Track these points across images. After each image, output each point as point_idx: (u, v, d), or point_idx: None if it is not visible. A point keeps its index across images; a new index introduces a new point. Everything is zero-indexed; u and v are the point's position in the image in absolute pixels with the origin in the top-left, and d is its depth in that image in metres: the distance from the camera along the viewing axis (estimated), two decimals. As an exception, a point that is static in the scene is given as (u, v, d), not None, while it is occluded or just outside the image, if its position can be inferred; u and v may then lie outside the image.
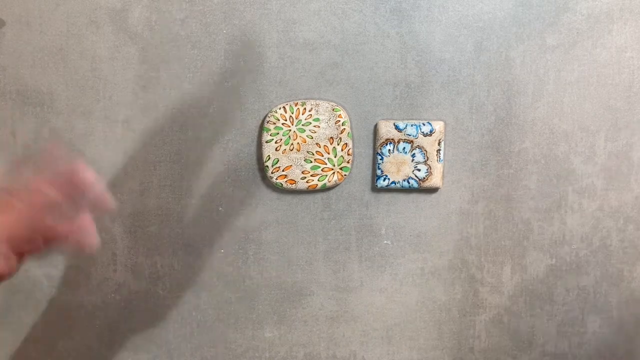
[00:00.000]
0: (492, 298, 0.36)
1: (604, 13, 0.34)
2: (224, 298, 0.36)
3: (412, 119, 0.35)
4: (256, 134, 0.35)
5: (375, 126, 0.35)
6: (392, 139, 0.34)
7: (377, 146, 0.35)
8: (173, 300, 0.36)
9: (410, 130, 0.34)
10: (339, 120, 0.34)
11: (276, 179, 0.34)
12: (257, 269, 0.36)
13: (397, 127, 0.34)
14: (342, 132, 0.35)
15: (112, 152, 0.34)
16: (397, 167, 0.35)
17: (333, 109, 0.34)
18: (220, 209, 0.35)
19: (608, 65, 0.34)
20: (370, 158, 0.35)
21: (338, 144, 0.35)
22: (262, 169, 0.36)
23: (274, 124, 0.34)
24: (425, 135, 0.34)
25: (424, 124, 0.34)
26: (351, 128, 0.35)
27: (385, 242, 0.36)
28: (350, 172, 0.35)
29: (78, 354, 0.37)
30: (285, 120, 0.34)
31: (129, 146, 0.34)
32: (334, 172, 0.35)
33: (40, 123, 0.35)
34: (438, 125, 0.34)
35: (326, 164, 0.35)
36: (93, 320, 0.36)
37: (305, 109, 0.34)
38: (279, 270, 0.36)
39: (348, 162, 0.35)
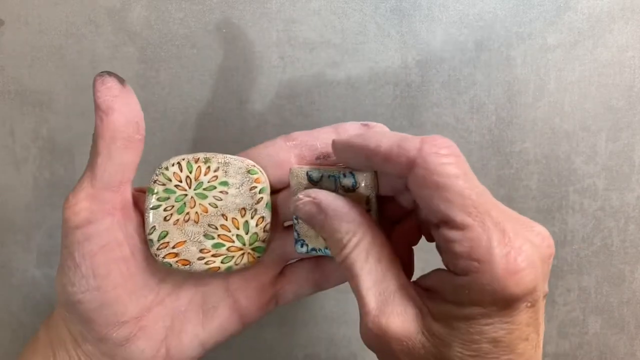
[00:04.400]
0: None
1: (605, 12, 0.34)
2: (224, 299, 0.36)
3: (332, 167, 0.25)
4: (256, 134, 0.35)
5: (289, 176, 0.26)
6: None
7: (292, 202, 0.25)
8: (172, 301, 0.36)
9: (327, 184, 0.25)
10: (255, 187, 0.25)
11: (163, 257, 0.25)
12: (256, 270, 0.36)
13: (310, 179, 0.25)
14: (258, 202, 0.25)
15: (111, 152, 0.34)
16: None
17: (248, 171, 0.25)
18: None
19: (609, 65, 0.34)
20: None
21: (252, 217, 0.25)
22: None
23: (164, 185, 0.25)
24: (346, 190, 0.24)
25: (344, 175, 0.24)
26: (270, 196, 0.26)
27: (385, 242, 0.36)
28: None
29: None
30: (180, 182, 0.25)
31: (128, 146, 0.34)
32: (243, 253, 0.26)
33: (39, 123, 0.34)
34: (364, 178, 0.24)
35: (234, 242, 0.25)
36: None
37: (209, 168, 0.25)
38: (279, 270, 0.36)
39: (264, 241, 0.26)
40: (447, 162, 0.21)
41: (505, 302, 0.19)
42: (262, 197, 0.26)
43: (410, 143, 0.22)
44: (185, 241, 0.25)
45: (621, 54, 0.34)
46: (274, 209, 0.26)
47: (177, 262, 0.25)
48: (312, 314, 0.36)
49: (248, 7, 0.34)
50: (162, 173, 0.25)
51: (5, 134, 0.34)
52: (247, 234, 0.26)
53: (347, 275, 0.22)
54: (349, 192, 0.24)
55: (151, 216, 0.25)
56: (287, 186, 0.26)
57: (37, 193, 0.34)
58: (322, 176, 0.25)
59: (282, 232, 0.27)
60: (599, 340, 0.36)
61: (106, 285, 0.23)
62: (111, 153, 0.23)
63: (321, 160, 0.26)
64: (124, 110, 0.23)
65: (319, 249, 0.26)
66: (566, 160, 0.35)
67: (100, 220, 0.23)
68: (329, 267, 0.27)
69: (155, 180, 0.25)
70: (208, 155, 0.25)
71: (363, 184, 0.24)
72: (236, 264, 0.26)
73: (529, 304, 0.19)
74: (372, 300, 0.21)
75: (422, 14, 0.34)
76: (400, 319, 0.20)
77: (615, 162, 0.35)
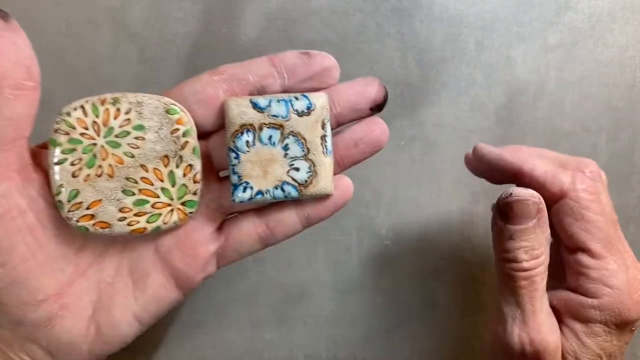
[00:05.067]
0: (493, 299, 0.36)
1: (605, 12, 0.34)
2: (223, 299, 0.36)
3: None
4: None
5: (223, 106, 0.22)
6: (251, 125, 0.22)
7: (228, 138, 0.22)
8: (172, 301, 0.36)
9: (278, 109, 0.22)
10: (177, 129, 0.22)
11: (77, 220, 0.21)
12: (256, 270, 0.36)
13: (256, 106, 0.22)
14: (182, 148, 0.22)
15: (110, 151, 0.34)
16: (263, 168, 0.22)
17: (167, 111, 0.22)
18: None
19: (610, 65, 0.34)
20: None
21: (177, 166, 0.22)
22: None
23: (67, 134, 0.21)
24: (300, 114, 0.22)
25: (296, 98, 0.22)
26: (199, 141, 0.23)
27: (385, 242, 0.36)
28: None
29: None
30: (87, 129, 0.21)
31: (128, 146, 0.33)
32: (172, 210, 0.22)
33: (39, 122, 0.34)
34: (319, 99, 0.23)
35: (159, 197, 0.22)
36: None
37: (119, 110, 0.21)
38: (279, 270, 0.36)
39: (195, 194, 0.22)
40: (593, 200, 0.24)
41: (623, 324, 0.23)
42: (187, 142, 0.22)
43: (564, 176, 0.25)
44: (101, 200, 0.22)
45: (622, 54, 0.34)
46: (206, 156, 0.23)
47: (94, 225, 0.22)
48: (312, 314, 0.36)
49: (248, 7, 0.34)
50: (64, 120, 0.22)
51: (5, 134, 0.34)
52: (173, 186, 0.22)
53: (517, 284, 0.24)
54: (303, 116, 0.23)
55: (57, 173, 0.21)
56: (218, 129, 0.23)
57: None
58: (270, 102, 0.22)
59: (217, 182, 0.24)
60: (600, 340, 0.36)
61: (12, 260, 0.20)
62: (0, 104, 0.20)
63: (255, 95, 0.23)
64: (9, 51, 0.20)
65: (267, 191, 0.23)
66: (567, 160, 0.35)
67: None
68: (275, 218, 0.24)
69: (57, 130, 0.22)
70: (117, 95, 0.22)
71: (318, 105, 0.23)
72: (165, 223, 0.22)
73: (633, 328, 0.24)
74: (539, 315, 0.23)
75: (423, 13, 0.34)
76: (555, 335, 0.23)
77: (616, 162, 0.35)
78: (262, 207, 0.24)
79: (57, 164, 0.21)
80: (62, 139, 0.22)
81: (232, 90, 0.22)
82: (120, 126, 0.22)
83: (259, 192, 0.22)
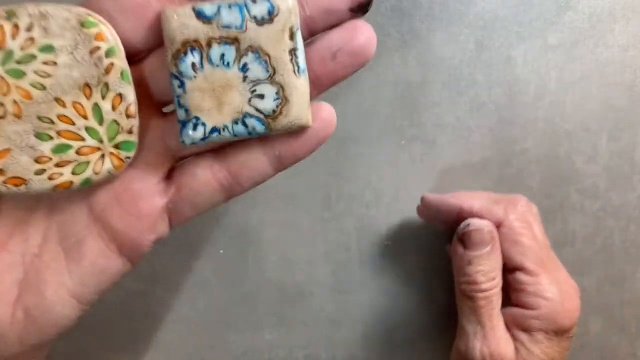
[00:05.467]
0: (493, 299, 0.36)
1: (606, 12, 0.34)
2: (223, 299, 0.36)
3: None
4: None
5: (162, 21, 0.17)
6: (196, 41, 0.17)
7: (169, 61, 0.17)
8: (171, 301, 0.36)
9: (229, 17, 0.17)
10: (98, 48, 0.16)
11: None
12: (256, 270, 0.36)
13: (200, 15, 0.17)
14: (107, 72, 0.17)
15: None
16: (217, 97, 0.17)
17: (81, 24, 0.16)
18: (219, 208, 0.35)
19: (610, 65, 0.34)
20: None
21: (103, 98, 0.17)
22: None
23: None
24: (260, 22, 0.17)
25: (253, 1, 0.17)
26: (130, 65, 0.17)
27: (385, 242, 0.36)
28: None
29: (75, 355, 0.36)
30: None
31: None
32: (102, 155, 0.17)
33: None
34: (284, 0, 0.17)
35: (84, 139, 0.17)
36: (91, 321, 0.36)
37: (17, 27, 0.16)
38: (279, 271, 0.36)
39: (130, 132, 0.17)
40: (525, 227, 0.28)
41: (560, 331, 0.26)
42: (112, 63, 0.17)
43: (497, 209, 0.28)
44: (9, 149, 0.17)
45: (622, 54, 0.34)
46: (141, 85, 0.18)
47: (4, 182, 0.17)
48: (312, 314, 0.36)
49: (248, 7, 0.34)
50: None
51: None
52: (101, 124, 0.17)
53: (476, 304, 0.27)
54: (264, 25, 0.17)
55: None
56: (152, 47, 0.18)
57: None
58: (219, 9, 0.17)
59: (159, 118, 0.19)
60: (600, 340, 0.36)
61: None
62: None
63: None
64: None
65: (224, 128, 0.18)
66: (567, 160, 0.35)
67: None
68: (238, 160, 0.19)
69: None
70: (12, 7, 0.16)
71: (284, 8, 0.17)
72: (95, 173, 0.18)
73: (570, 335, 0.27)
74: (497, 330, 0.26)
75: (423, 13, 0.34)
76: (510, 347, 0.26)
77: (617, 162, 0.35)
78: (222, 147, 0.19)
79: None
80: None
81: None
82: (22, 48, 0.16)
83: (214, 129, 0.18)
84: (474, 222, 0.28)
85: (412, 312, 0.36)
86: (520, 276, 0.27)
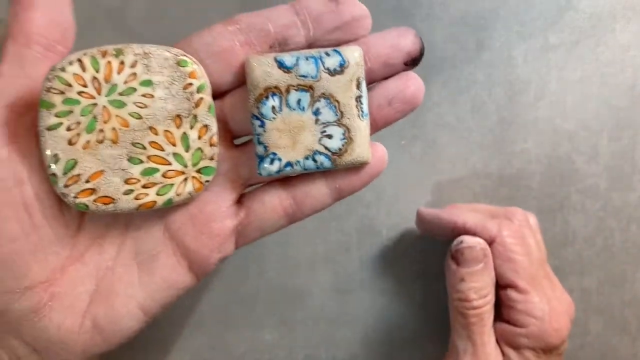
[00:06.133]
0: (494, 299, 0.36)
1: (606, 12, 0.34)
2: (223, 299, 0.36)
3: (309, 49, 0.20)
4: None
5: (245, 66, 0.20)
6: (277, 88, 0.19)
7: (252, 103, 0.19)
8: (172, 302, 0.36)
9: (306, 68, 0.19)
10: (191, 84, 0.19)
11: (75, 196, 0.18)
12: (256, 270, 0.36)
13: (281, 65, 0.19)
14: (197, 106, 0.19)
15: (110, 151, 0.34)
16: (292, 136, 0.20)
17: (177, 63, 0.19)
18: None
19: (611, 64, 0.34)
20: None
21: (191, 127, 0.19)
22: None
23: (62, 93, 0.18)
24: (332, 73, 0.20)
25: (327, 54, 0.20)
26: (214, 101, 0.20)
27: (386, 243, 0.36)
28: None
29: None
30: (85, 86, 0.18)
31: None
32: (186, 178, 0.19)
33: (38, 122, 0.34)
34: (353, 55, 0.20)
35: (171, 164, 0.19)
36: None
37: (123, 63, 0.18)
38: (279, 271, 0.36)
39: (212, 159, 0.20)
40: (518, 243, 0.28)
41: (549, 349, 0.27)
42: (201, 98, 0.19)
43: (491, 225, 0.28)
44: (103, 171, 0.19)
45: (623, 53, 0.34)
46: (220, 119, 0.20)
47: (95, 201, 0.18)
48: (312, 314, 0.36)
49: (248, 7, 0.34)
50: (58, 77, 0.18)
51: (4, 134, 0.34)
52: (187, 151, 0.19)
53: (468, 321, 0.27)
54: (335, 75, 0.20)
55: (48, 140, 0.18)
56: (233, 87, 0.21)
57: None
58: (297, 60, 0.19)
59: (234, 149, 0.21)
60: (601, 341, 0.36)
61: (0, 237, 0.18)
62: (22, 61, 0.18)
63: (276, 49, 0.20)
64: (48, 9, 0.19)
65: (296, 163, 0.20)
66: (568, 160, 0.35)
67: None
68: (302, 190, 0.21)
69: (49, 89, 0.18)
70: (120, 46, 0.19)
71: (352, 62, 0.20)
72: (178, 195, 0.19)
73: (560, 352, 0.28)
74: (488, 347, 0.27)
75: (423, 12, 0.34)
76: None
77: (617, 162, 0.35)
78: (288, 178, 0.21)
79: (49, 129, 0.18)
80: (56, 99, 0.18)
81: (249, 43, 0.20)
82: (125, 82, 0.18)
83: (288, 164, 0.20)
84: (467, 240, 0.28)
85: (412, 312, 0.36)
86: (512, 293, 0.27)
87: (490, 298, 0.27)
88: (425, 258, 0.36)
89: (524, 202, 0.35)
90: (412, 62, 0.21)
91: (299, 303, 0.36)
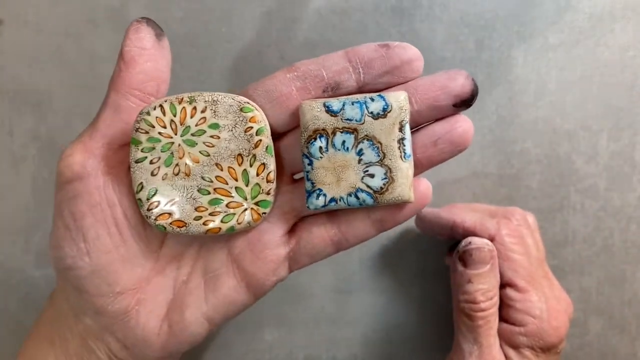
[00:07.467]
0: (493, 299, 0.36)
1: (606, 12, 0.34)
2: (223, 299, 0.36)
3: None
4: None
5: (300, 112, 0.22)
6: (324, 130, 0.21)
7: (302, 143, 0.22)
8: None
9: (351, 112, 0.21)
10: (251, 127, 0.22)
11: (156, 219, 0.22)
12: (256, 270, 0.36)
13: (329, 109, 0.21)
14: (256, 146, 0.22)
15: (110, 151, 0.34)
16: (336, 174, 0.22)
17: (241, 109, 0.21)
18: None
19: (610, 65, 0.34)
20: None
21: (251, 165, 0.22)
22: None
23: (147, 133, 0.21)
24: (375, 117, 0.21)
25: (372, 99, 0.21)
26: (271, 139, 0.22)
27: (385, 243, 0.36)
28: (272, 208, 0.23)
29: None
30: (165, 127, 0.22)
31: (128, 146, 0.33)
32: (245, 210, 0.22)
33: (38, 122, 0.34)
34: (397, 100, 0.21)
35: (233, 196, 0.22)
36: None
37: (195, 109, 0.22)
38: (279, 271, 0.36)
39: (268, 193, 0.22)
40: (516, 243, 0.28)
41: (547, 348, 0.27)
42: (260, 140, 0.22)
43: (490, 224, 0.29)
44: (178, 199, 0.22)
45: (622, 54, 0.34)
46: (278, 158, 0.23)
47: (171, 224, 0.22)
48: (312, 314, 0.36)
49: (248, 6, 0.34)
50: (144, 119, 0.21)
51: (4, 134, 0.34)
52: (247, 185, 0.22)
53: (475, 323, 0.27)
54: (378, 119, 0.21)
55: (137, 171, 0.22)
56: (290, 129, 0.23)
57: (36, 193, 0.34)
58: (343, 105, 0.21)
59: (289, 184, 0.24)
60: (600, 341, 0.36)
61: (96, 250, 0.21)
62: (121, 109, 0.21)
63: (329, 93, 0.22)
64: (148, 66, 0.22)
65: (340, 199, 0.22)
66: (567, 160, 0.35)
67: (93, 177, 0.21)
68: (347, 222, 0.23)
69: (138, 129, 0.21)
70: (193, 94, 0.22)
71: (396, 106, 0.21)
72: (238, 223, 0.22)
73: (558, 350, 0.28)
74: (493, 349, 0.27)
75: (423, 13, 0.34)
76: None
77: (617, 162, 0.35)
78: (335, 211, 0.23)
79: (137, 162, 0.22)
80: (142, 137, 0.22)
81: (305, 88, 0.22)
82: (197, 125, 0.22)
83: (333, 200, 0.22)
84: (475, 241, 0.27)
85: (412, 312, 0.36)
86: (510, 292, 0.28)
87: (496, 300, 0.27)
88: (425, 258, 0.36)
89: (524, 202, 0.35)
90: (462, 104, 0.22)
91: (299, 303, 0.36)
